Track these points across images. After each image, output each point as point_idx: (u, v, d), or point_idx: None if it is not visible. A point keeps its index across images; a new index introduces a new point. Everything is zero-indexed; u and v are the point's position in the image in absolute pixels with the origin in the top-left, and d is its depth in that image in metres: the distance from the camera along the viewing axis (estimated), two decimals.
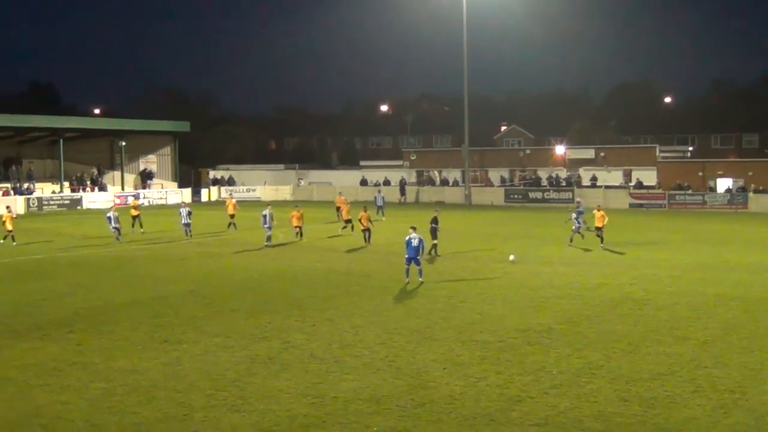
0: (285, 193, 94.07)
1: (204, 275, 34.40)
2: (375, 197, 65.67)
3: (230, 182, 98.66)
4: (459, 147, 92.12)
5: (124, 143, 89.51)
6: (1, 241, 45.02)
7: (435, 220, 40.73)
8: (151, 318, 25.37)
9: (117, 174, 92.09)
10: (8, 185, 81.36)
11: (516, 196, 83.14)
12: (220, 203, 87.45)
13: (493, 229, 53.93)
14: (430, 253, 38.42)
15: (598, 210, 43.39)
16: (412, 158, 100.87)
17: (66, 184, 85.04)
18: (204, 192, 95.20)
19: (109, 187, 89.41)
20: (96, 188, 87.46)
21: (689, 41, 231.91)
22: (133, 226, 52.14)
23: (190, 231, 48.76)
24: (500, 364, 19.78)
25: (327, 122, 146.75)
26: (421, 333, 23.00)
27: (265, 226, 44.72)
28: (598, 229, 42.53)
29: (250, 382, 18.38)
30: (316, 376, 18.76)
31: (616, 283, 31.40)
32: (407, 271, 31.83)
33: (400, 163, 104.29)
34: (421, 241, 31.69)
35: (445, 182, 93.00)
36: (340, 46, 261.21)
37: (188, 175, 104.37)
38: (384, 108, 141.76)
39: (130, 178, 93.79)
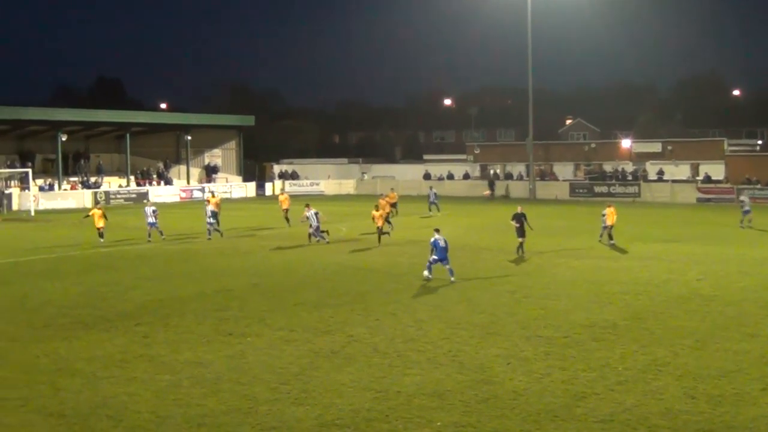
0: (348, 187, 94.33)
1: (268, 269, 34.63)
2: (428, 193, 64.94)
3: (294, 176, 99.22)
4: (523, 141, 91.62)
5: (189, 137, 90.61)
6: (101, 240, 44.21)
7: (519, 217, 37.97)
8: (216, 311, 25.60)
9: (182, 168, 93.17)
10: (77, 179, 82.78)
11: (581, 191, 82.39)
12: (275, 198, 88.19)
13: (558, 223, 53.53)
14: (518, 252, 37.59)
15: (609, 207, 42.50)
16: (476, 152, 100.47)
17: (132, 178, 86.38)
18: (268, 186, 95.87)
19: (174, 180, 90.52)
20: (162, 182, 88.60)
21: (758, 33, 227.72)
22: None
23: (212, 231, 46.00)
24: (565, 359, 19.60)
25: (390, 116, 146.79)
26: (485, 328, 22.89)
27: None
28: (606, 227, 41.65)
29: (313, 375, 18.44)
30: (379, 371, 18.76)
31: (683, 279, 30.94)
32: (430, 268, 31.02)
33: (463, 157, 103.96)
34: (446, 242, 31.16)
35: (508, 176, 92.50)
36: (404, 40, 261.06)
37: (252, 169, 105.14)
38: (447, 101, 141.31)
39: (195, 172, 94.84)
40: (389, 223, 47.57)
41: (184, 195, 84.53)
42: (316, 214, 43.66)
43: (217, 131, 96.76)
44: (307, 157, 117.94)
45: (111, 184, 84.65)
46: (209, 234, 45.85)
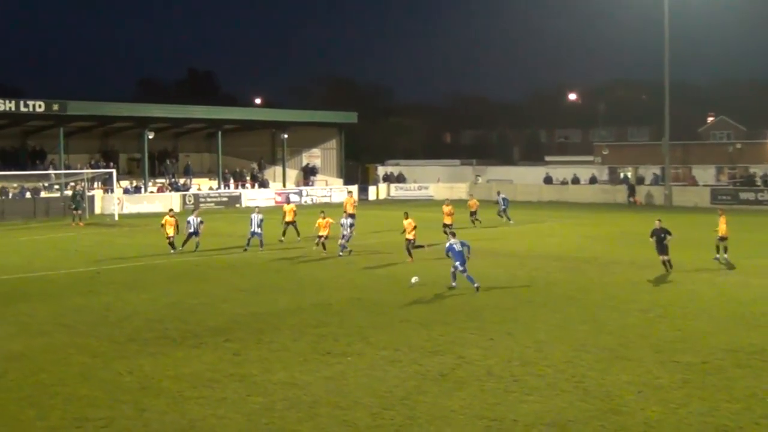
0: (461, 191, 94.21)
1: (371, 281, 34.77)
2: (497, 199, 63.40)
3: (400, 179, 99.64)
4: (658, 141, 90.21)
5: (286, 136, 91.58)
6: (180, 248, 44.71)
7: (657, 233, 36.49)
8: (313, 327, 25.82)
9: (278, 169, 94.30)
10: (164, 181, 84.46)
11: (724, 197, 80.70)
12: (388, 202, 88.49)
13: (697, 234, 52.50)
14: (666, 269, 36.36)
15: (721, 214, 40.14)
16: (604, 153, 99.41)
17: (227, 180, 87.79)
18: (372, 190, 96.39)
19: (270, 183, 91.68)
20: (256, 184, 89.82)
21: None
22: (284, 234, 49.36)
23: (250, 241, 46.00)
24: (704, 388, 19.21)
25: (508, 113, 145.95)
26: (613, 351, 22.58)
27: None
28: (722, 239, 39.24)
29: (420, 400, 18.44)
30: (493, 396, 18.67)
31: None
32: (454, 275, 32.40)
33: (590, 158, 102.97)
34: (463, 244, 32.28)
35: (640, 180, 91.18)
36: (524, 29, 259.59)
37: (354, 171, 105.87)
38: (572, 97, 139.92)
39: (292, 174, 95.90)
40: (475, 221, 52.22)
41: (279, 199, 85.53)
42: (351, 225, 43.80)
43: (316, 129, 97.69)
44: (414, 158, 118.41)
45: (201, 186, 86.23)
46: (248, 245, 45.75)
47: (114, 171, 75.22)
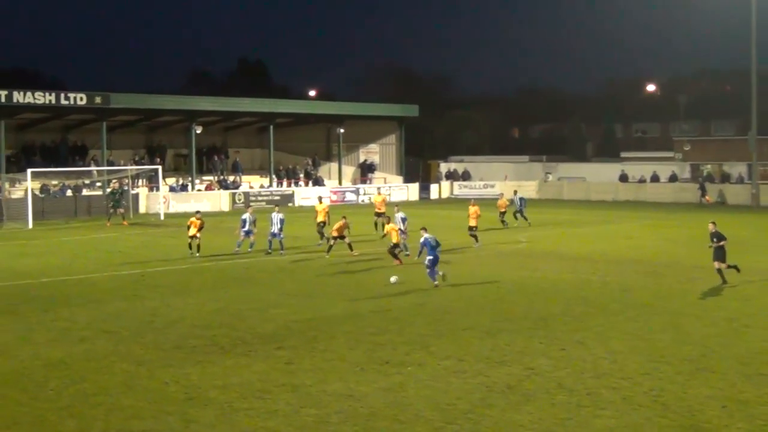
0: (529, 189, 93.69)
1: (434, 286, 34.80)
2: (513, 199, 62.17)
3: (464, 177, 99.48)
4: (745, 135, 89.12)
5: (342, 130, 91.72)
6: (197, 254, 44.57)
7: (712, 237, 35.55)
8: (371, 335, 25.88)
9: (334, 166, 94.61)
10: (212, 178, 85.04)
11: None
12: (451, 201, 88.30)
13: None
14: (723, 278, 35.62)
15: None
16: (686, 149, 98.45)
17: (275, 177, 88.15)
18: (434, 188, 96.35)
19: (325, 180, 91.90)
20: (310, 182, 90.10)
21: None
22: (322, 237, 49.57)
23: (271, 242, 46.18)
24: None
25: (581, 105, 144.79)
26: (695, 363, 22.38)
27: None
28: None
29: (485, 414, 18.41)
30: (564, 411, 18.59)
31: None
32: (432, 274, 34.67)
33: (670, 154, 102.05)
34: (435, 239, 35.09)
35: (725, 178, 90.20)
36: (599, 16, 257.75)
37: (415, 167, 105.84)
38: (651, 88, 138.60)
39: (349, 171, 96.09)
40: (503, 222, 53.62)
41: (335, 197, 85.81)
42: (403, 218, 44.82)
43: (374, 123, 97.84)
44: (480, 153, 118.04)
45: (252, 183, 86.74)
46: (270, 248, 45.90)
47: (159, 168, 75.56)
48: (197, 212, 48.26)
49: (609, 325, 27.03)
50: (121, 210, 64.68)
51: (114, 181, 69.17)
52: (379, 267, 40.08)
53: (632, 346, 24.18)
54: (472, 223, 47.89)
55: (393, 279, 35.32)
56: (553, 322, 27.52)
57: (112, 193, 66.13)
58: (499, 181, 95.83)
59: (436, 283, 34.46)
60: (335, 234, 44.01)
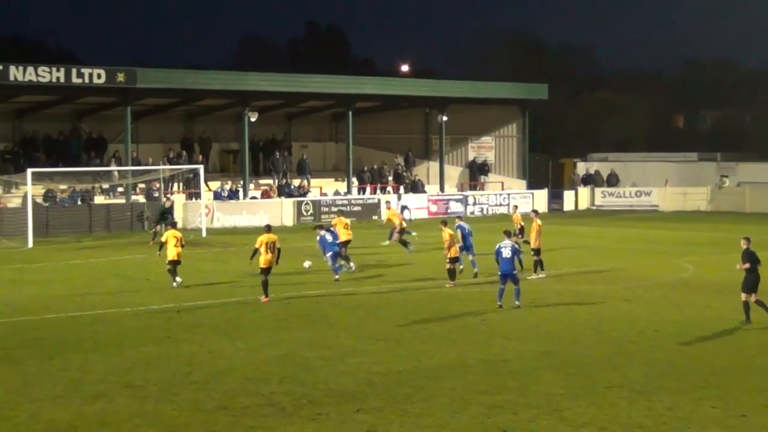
0: (698, 198, 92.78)
1: (566, 327, 34.69)
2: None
3: (610, 181, 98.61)
4: None
5: (445, 118, 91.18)
6: (174, 283, 45.30)
7: (744, 258, 35.36)
8: (481, 393, 25.85)
9: (434, 166, 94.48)
10: (271, 182, 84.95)
11: None
12: (592, 215, 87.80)
13: None
14: (746, 315, 35.31)
15: None
16: None
17: (355, 181, 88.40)
18: (568, 196, 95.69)
19: (423, 185, 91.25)
20: (401, 187, 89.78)
21: None
22: (406, 245, 52.35)
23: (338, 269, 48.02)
24: None
25: None
26: None
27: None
28: None
29: None
30: None
31: None
32: (502, 291, 37.70)
33: None
34: (516, 250, 37.94)
35: None
36: None
37: (543, 168, 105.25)
38: None
39: (454, 172, 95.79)
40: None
41: (435, 208, 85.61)
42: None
43: (488, 109, 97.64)
44: (630, 150, 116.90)
45: (323, 188, 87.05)
46: (336, 273, 47.36)
47: (201, 168, 75.58)
48: (173, 225, 48.98)
49: None
50: (158, 227, 64.12)
51: (168, 197, 69.56)
52: (490, 300, 39.94)
53: None
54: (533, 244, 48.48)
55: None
56: (728, 378, 27.26)
57: (162, 211, 65.38)
58: (657, 187, 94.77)
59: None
60: (452, 255, 44.57)
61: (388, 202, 63.12)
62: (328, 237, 39.06)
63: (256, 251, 41.32)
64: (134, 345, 32.45)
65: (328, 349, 31.57)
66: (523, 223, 54.85)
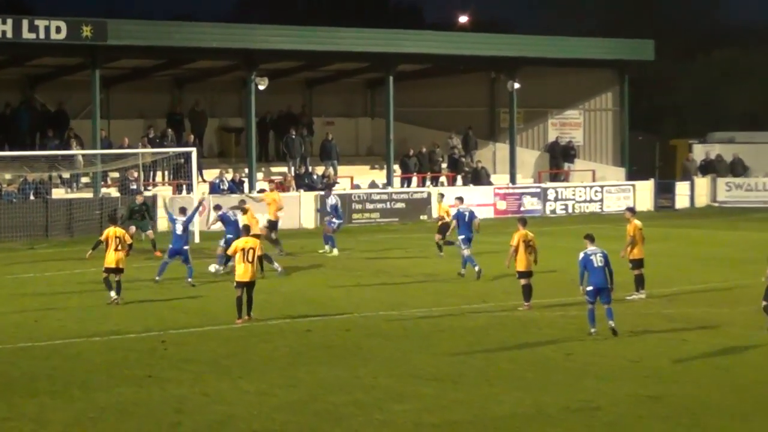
0: None
1: (680, 364, 34.68)
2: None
3: (737, 169, 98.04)
4: None
5: (517, 85, 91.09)
6: (111, 297, 46.47)
7: None
8: None
9: (501, 148, 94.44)
10: (285, 170, 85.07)
11: None
12: (714, 214, 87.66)
13: None
14: None
15: None
16: None
17: (396, 168, 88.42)
18: (681, 189, 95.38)
19: (488, 174, 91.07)
20: (459, 177, 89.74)
21: None
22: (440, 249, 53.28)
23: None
24: None
25: None
26: None
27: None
28: None
29: None
30: None
31: None
32: (592, 312, 38.22)
33: None
34: (607, 257, 38.16)
35: None
36: None
37: (647, 152, 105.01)
38: None
39: (530, 156, 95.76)
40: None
41: (503, 205, 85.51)
42: None
43: (573, 73, 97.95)
44: (765, 128, 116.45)
45: (354, 179, 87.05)
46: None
47: (194, 151, 75.59)
48: (117, 216, 50.36)
49: None
50: (150, 233, 64.66)
51: (139, 194, 69.70)
52: (576, 328, 39.90)
53: None
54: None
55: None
56: None
57: (133, 209, 65.98)
58: None
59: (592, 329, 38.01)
60: (521, 269, 44.66)
61: (441, 195, 62.92)
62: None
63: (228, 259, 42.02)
64: (105, 386, 32.42)
65: (363, 392, 31.52)
66: (448, 219, 55.65)
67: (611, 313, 38.53)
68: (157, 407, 29.95)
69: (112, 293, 46.32)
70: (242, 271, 41.30)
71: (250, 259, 41.43)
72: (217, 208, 53.00)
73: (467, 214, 52.30)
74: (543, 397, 30.71)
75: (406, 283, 50.47)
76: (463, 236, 50.54)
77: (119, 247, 46.16)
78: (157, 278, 50.75)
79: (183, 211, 53.11)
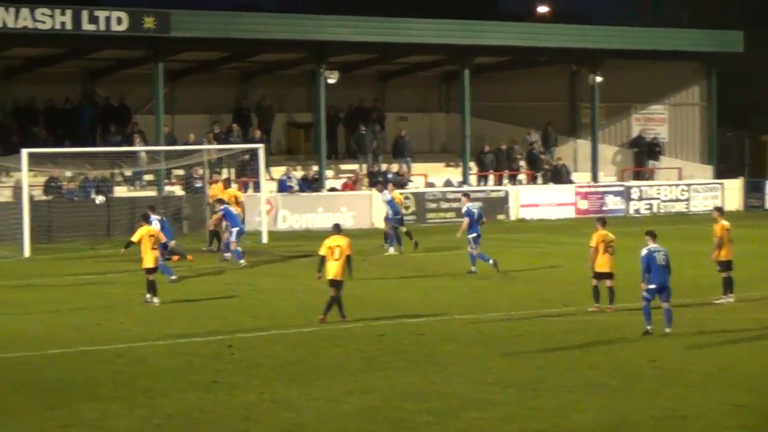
0: None
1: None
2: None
3: None
4: None
5: (599, 79, 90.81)
6: (148, 298, 47.61)
7: None
8: None
9: (582, 145, 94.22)
10: (357, 167, 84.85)
11: None
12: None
13: None
14: None
15: None
16: None
17: (473, 166, 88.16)
18: None
19: (569, 173, 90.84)
20: (539, 175, 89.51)
21: None
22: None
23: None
24: None
25: None
26: None
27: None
28: None
29: None
30: None
31: None
32: (648, 309, 39.22)
33: None
34: (668, 258, 38.90)
35: None
36: None
37: (737, 149, 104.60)
38: None
39: (611, 154, 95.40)
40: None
41: (585, 205, 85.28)
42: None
43: (658, 67, 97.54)
44: None
45: (429, 177, 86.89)
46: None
47: (261, 148, 75.07)
48: (148, 215, 50.81)
49: None
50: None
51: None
52: (660, 333, 39.84)
53: None
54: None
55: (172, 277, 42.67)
56: None
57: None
58: None
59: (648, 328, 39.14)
60: (600, 270, 44.66)
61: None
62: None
63: (323, 260, 41.82)
64: (169, 392, 32.60)
65: (438, 399, 31.50)
66: (405, 208, 56.14)
67: (670, 316, 39.28)
68: (224, 414, 30.05)
69: (155, 299, 47.11)
70: (331, 269, 41.83)
71: (336, 256, 41.68)
72: (220, 202, 53.84)
73: (476, 211, 54.09)
74: (627, 405, 30.64)
75: (482, 285, 50.44)
76: (474, 234, 52.31)
77: (155, 246, 46.81)
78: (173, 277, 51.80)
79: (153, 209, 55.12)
